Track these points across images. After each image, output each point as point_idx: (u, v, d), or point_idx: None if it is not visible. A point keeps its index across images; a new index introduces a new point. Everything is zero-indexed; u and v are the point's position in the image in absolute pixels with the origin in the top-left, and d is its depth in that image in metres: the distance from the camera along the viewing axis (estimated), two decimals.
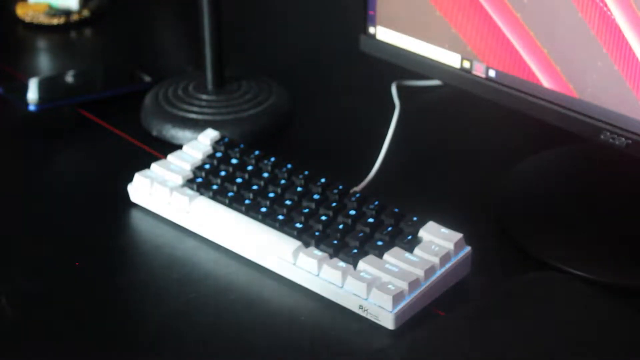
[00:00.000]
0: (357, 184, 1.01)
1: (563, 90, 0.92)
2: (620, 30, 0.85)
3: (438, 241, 0.90)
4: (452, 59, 0.99)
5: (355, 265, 0.88)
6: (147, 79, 1.22)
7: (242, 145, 1.03)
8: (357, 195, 0.95)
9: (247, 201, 0.95)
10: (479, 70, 0.98)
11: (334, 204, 0.94)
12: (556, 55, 0.91)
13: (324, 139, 1.13)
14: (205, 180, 0.98)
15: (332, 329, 0.86)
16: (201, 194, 0.96)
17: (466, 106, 1.16)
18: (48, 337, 0.85)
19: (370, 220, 0.92)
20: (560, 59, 0.91)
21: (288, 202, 0.94)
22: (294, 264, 0.89)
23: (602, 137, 0.90)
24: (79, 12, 1.39)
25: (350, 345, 0.84)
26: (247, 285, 0.91)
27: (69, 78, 1.22)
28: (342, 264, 0.88)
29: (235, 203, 0.95)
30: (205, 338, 0.84)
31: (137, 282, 0.90)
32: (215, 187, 0.97)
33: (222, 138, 1.04)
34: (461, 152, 1.10)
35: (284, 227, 0.92)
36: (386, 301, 0.84)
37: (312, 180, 0.97)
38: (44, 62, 1.35)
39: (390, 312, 0.84)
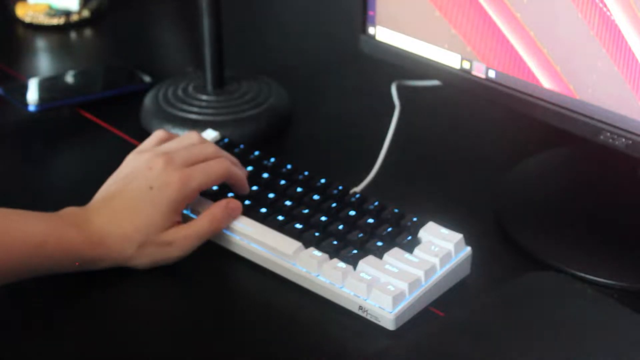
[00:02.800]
0: (357, 184, 1.01)
1: (563, 91, 0.92)
2: (620, 31, 0.85)
3: (438, 241, 0.90)
4: (451, 60, 0.99)
5: (355, 265, 0.88)
6: (147, 79, 1.22)
7: (242, 146, 1.03)
8: (357, 195, 0.95)
9: (247, 202, 0.95)
10: (478, 71, 0.98)
11: (333, 205, 0.94)
12: (556, 56, 0.91)
13: (324, 139, 1.13)
14: None
15: (332, 329, 0.86)
16: (201, 194, 0.96)
17: (466, 106, 1.16)
18: (48, 336, 0.85)
19: (370, 220, 0.92)
20: (560, 59, 0.91)
21: (288, 203, 0.94)
22: (294, 264, 0.89)
23: (602, 137, 0.90)
24: (79, 12, 1.39)
25: (351, 346, 0.84)
26: (247, 285, 0.91)
27: (69, 78, 1.22)
28: (342, 264, 0.88)
29: None
30: (205, 338, 0.84)
31: (135, 281, 0.90)
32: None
33: (222, 138, 1.04)
34: (461, 152, 1.10)
35: (284, 227, 0.92)
36: (386, 302, 0.84)
37: (312, 181, 0.97)
38: (44, 62, 1.35)
39: (390, 312, 0.84)
